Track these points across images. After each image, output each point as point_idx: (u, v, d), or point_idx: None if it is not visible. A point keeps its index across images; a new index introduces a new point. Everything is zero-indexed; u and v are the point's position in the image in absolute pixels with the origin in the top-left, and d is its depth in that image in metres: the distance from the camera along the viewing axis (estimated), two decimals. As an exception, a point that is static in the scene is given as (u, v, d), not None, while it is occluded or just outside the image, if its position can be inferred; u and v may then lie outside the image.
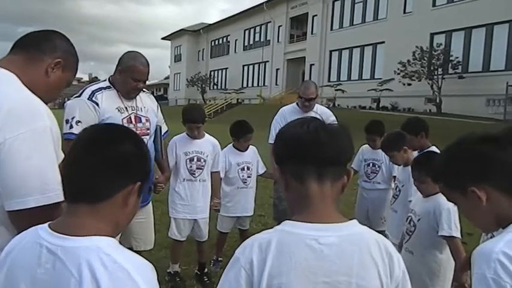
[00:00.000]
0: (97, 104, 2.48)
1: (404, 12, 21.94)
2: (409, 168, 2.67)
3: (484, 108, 17.81)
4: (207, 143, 3.32)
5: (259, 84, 33.28)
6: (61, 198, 1.15)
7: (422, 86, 18.89)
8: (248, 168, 3.55)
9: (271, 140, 3.66)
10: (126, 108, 2.60)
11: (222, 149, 3.51)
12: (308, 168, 0.97)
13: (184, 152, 3.20)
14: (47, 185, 1.18)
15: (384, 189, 3.63)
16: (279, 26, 31.26)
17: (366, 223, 3.64)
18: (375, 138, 3.60)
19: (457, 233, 2.17)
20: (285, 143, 1.01)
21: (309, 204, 0.98)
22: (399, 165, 2.96)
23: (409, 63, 18.93)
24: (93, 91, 2.52)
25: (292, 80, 30.56)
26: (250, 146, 3.64)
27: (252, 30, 34.66)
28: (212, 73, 39.06)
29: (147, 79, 2.64)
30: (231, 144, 3.61)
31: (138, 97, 2.66)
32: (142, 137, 2.64)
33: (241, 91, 32.33)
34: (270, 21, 31.88)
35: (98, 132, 0.99)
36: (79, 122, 2.42)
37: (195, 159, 3.23)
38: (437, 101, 18.72)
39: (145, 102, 2.72)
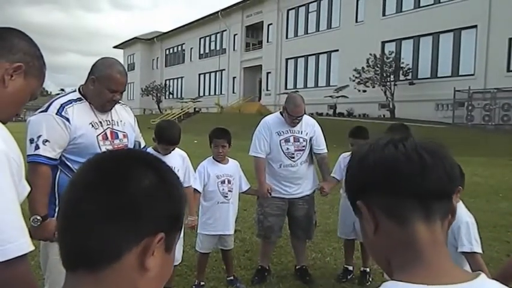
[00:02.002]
0: (67, 120, 2.15)
1: (356, 21, 22.68)
2: None
3: (434, 112, 18.72)
4: (176, 157, 3.07)
5: (217, 93, 33.04)
6: (24, 250, 0.89)
7: (376, 93, 19.56)
8: (229, 182, 3.30)
9: (254, 153, 3.48)
10: (100, 122, 2.29)
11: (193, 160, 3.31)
12: (410, 203, 0.70)
13: None
14: (0, 234, 0.88)
15: None
16: (235, 35, 31.27)
17: (352, 235, 3.63)
18: (359, 143, 3.51)
19: (478, 248, 2.00)
20: (374, 170, 0.72)
21: (418, 256, 0.70)
22: None
23: (363, 70, 19.56)
24: (62, 104, 2.18)
25: (250, 88, 30.63)
26: (232, 160, 3.44)
27: (208, 38, 34.43)
28: (167, 82, 38.32)
29: (125, 89, 2.34)
30: (211, 156, 3.40)
31: (113, 110, 2.36)
32: None
33: (198, 100, 31.93)
34: (225, 30, 31.83)
35: (97, 164, 0.68)
36: (46, 141, 2.10)
37: None
38: (391, 106, 19.44)
39: (122, 115, 2.43)
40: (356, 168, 0.77)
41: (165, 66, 39.59)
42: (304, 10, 26.08)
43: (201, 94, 33.98)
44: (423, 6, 19.79)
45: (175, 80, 38.14)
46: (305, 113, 3.48)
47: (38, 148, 2.10)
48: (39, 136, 2.11)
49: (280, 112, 3.55)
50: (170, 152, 2.99)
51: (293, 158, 3.44)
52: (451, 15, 18.15)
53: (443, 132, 15.23)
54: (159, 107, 35.37)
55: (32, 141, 2.12)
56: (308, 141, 3.49)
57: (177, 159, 3.07)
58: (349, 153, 3.63)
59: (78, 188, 0.65)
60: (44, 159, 2.11)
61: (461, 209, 2.06)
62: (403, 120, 17.32)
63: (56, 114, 2.15)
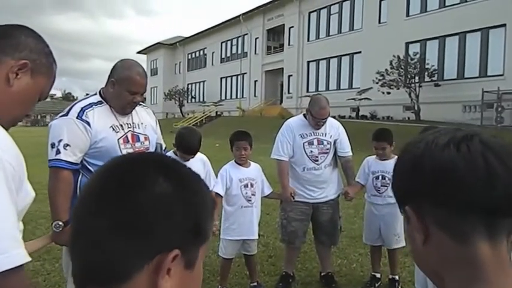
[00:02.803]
0: (88, 124, 2.14)
1: (380, 23, 22.32)
2: None
3: (461, 114, 18.17)
4: (197, 161, 3.05)
5: (238, 97, 33.13)
6: (15, 262, 0.81)
7: (400, 94, 19.14)
8: (252, 185, 3.25)
9: (276, 156, 3.41)
10: (121, 125, 2.27)
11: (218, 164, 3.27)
12: (471, 218, 0.59)
13: None
14: None
15: (395, 204, 3.42)
16: (256, 38, 31.31)
17: (379, 242, 3.51)
18: (385, 146, 3.41)
19: None
20: (429, 176, 0.60)
21: (480, 277, 0.60)
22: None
23: (386, 72, 19.20)
24: (82, 108, 2.17)
25: (271, 91, 30.58)
26: (254, 163, 3.39)
27: (229, 42, 34.61)
28: (190, 86, 38.71)
29: (145, 91, 2.32)
30: (233, 160, 3.35)
31: (134, 112, 2.32)
32: None
33: (220, 103, 32.10)
34: (246, 33, 31.92)
35: (107, 171, 0.60)
36: (67, 145, 2.09)
37: None
38: (416, 108, 18.99)
39: (143, 117, 2.40)
40: (407, 170, 0.65)
41: (188, 70, 40.00)
42: (326, 12, 25.87)
43: (223, 98, 34.14)
44: (449, 6, 19.29)
45: (198, 84, 38.48)
46: (329, 115, 3.39)
47: (59, 153, 2.09)
48: (60, 140, 2.10)
49: (304, 114, 3.47)
50: (189, 160, 2.97)
51: (317, 161, 3.36)
52: (478, 14, 17.61)
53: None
54: (181, 111, 35.75)
55: (53, 145, 2.11)
56: (332, 144, 3.41)
57: (197, 164, 3.05)
58: (374, 157, 3.53)
59: (86, 198, 0.59)
60: (65, 163, 2.10)
61: None
62: (428, 123, 16.92)
63: (77, 118, 2.14)
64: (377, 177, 3.44)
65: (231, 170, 3.29)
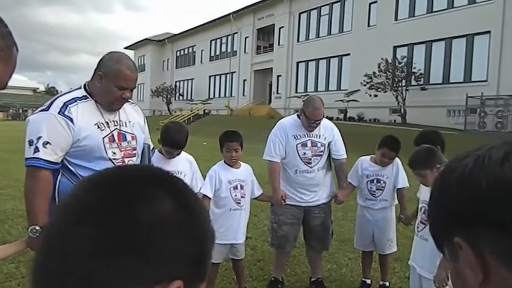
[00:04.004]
0: (71, 120, 1.97)
1: (369, 26, 22.45)
2: None
3: (446, 118, 18.41)
4: (183, 161, 2.94)
5: (227, 95, 32.98)
6: None
7: (387, 97, 19.30)
8: (241, 187, 3.15)
9: (268, 156, 3.32)
10: (107, 123, 2.11)
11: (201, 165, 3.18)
12: None
13: None
14: None
15: (390, 207, 3.39)
16: (246, 37, 31.20)
17: (371, 247, 3.47)
18: (394, 156, 3.32)
19: None
20: (489, 196, 0.49)
21: None
22: (428, 186, 2.58)
23: (374, 75, 19.34)
24: (65, 103, 1.99)
25: (260, 90, 30.53)
26: (244, 164, 3.29)
27: (219, 40, 34.40)
28: (178, 83, 38.37)
29: (135, 86, 2.15)
30: (222, 161, 3.25)
31: (121, 109, 2.17)
32: (128, 159, 2.27)
33: (208, 102, 31.90)
34: (236, 32, 31.79)
35: (98, 182, 0.51)
36: (47, 143, 1.92)
37: None
38: (402, 111, 19.18)
39: (131, 115, 2.25)
40: (454, 192, 0.52)
41: (176, 67, 39.66)
42: (316, 13, 25.92)
43: (211, 96, 33.95)
44: (436, 11, 19.52)
45: (186, 82, 38.18)
46: (324, 117, 3.32)
47: (38, 151, 1.92)
48: (39, 137, 1.93)
49: (298, 115, 3.37)
50: (175, 156, 2.86)
51: (310, 163, 3.28)
52: (464, 21, 17.87)
53: (455, 139, 14.90)
54: (168, 108, 35.43)
55: (31, 142, 1.94)
56: (326, 146, 3.33)
57: (184, 164, 2.94)
58: (368, 158, 3.48)
59: (68, 211, 0.48)
60: (43, 163, 1.93)
61: None
62: (414, 126, 17.10)
63: (59, 113, 1.97)
64: (372, 181, 3.37)
65: (220, 171, 3.19)
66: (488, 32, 17.47)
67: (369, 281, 3.49)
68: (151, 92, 37.39)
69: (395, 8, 21.17)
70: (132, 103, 2.36)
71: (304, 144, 3.28)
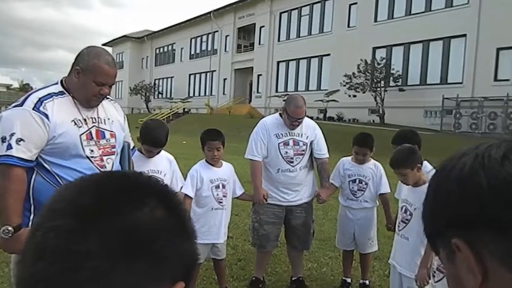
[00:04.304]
0: (46, 116, 1.89)
1: (349, 27, 22.70)
2: (423, 188, 2.52)
3: (423, 119, 18.79)
4: (163, 160, 2.87)
5: (207, 94, 32.79)
6: None
7: (366, 98, 19.58)
8: (223, 186, 3.11)
9: (250, 155, 3.29)
10: (85, 120, 2.03)
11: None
12: None
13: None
14: None
15: (371, 208, 3.41)
16: (227, 36, 31.08)
17: (352, 246, 3.49)
18: (366, 152, 3.36)
19: None
20: (491, 195, 0.47)
21: None
22: (409, 184, 2.62)
23: (354, 75, 19.58)
24: (40, 98, 1.91)
25: (240, 89, 30.49)
26: (226, 163, 3.25)
27: (199, 38, 34.15)
28: (157, 81, 37.91)
29: (114, 82, 2.08)
30: (204, 159, 3.20)
31: (100, 105, 2.09)
32: (106, 157, 2.20)
33: (188, 100, 31.64)
34: (217, 31, 31.63)
35: (95, 183, 0.51)
36: (21, 140, 1.84)
37: None
38: (381, 112, 19.48)
39: (110, 112, 2.17)
40: (452, 191, 0.51)
41: (155, 65, 39.17)
42: (297, 14, 26.04)
43: (191, 94, 33.69)
44: (414, 14, 19.90)
45: (165, 80, 37.76)
46: (306, 115, 3.31)
47: (11, 148, 1.83)
48: (12, 134, 1.84)
49: (280, 113, 3.35)
50: (155, 155, 2.80)
51: (292, 162, 3.26)
52: (441, 24, 18.28)
53: (431, 139, 15.26)
54: (147, 106, 34.97)
55: (3, 139, 1.85)
56: (308, 145, 3.31)
57: (164, 163, 2.88)
58: (349, 158, 3.49)
59: (66, 214, 0.46)
60: (17, 160, 1.85)
61: None
62: (392, 126, 17.39)
63: (33, 109, 1.88)
64: (353, 181, 3.38)
65: (201, 170, 3.14)
66: (464, 35, 17.92)
67: (349, 280, 3.51)
68: (129, 90, 36.82)
69: (374, 9, 21.47)
70: (112, 100, 2.29)
71: (286, 143, 3.26)
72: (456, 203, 0.50)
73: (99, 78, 1.98)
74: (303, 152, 3.29)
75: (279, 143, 3.26)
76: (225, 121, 20.24)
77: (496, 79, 17.13)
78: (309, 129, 3.34)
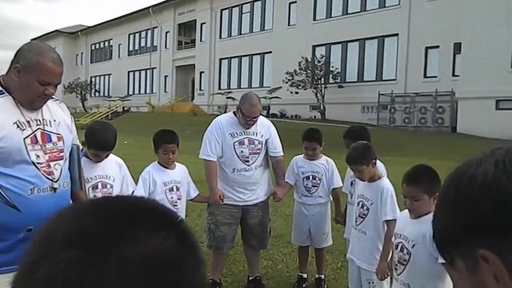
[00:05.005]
0: None
1: (289, 25, 23.14)
2: (378, 183, 2.60)
3: (361, 114, 19.66)
4: (112, 164, 2.71)
5: (147, 92, 31.80)
6: None
7: (307, 95, 20.12)
8: (177, 189, 3.00)
9: (204, 155, 3.21)
10: (28, 122, 1.87)
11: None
12: None
13: (85, 179, 2.40)
14: None
15: (325, 203, 3.48)
16: (167, 32, 30.34)
17: (307, 242, 3.53)
18: (316, 147, 3.41)
19: None
20: None
21: None
22: (365, 180, 2.66)
23: (295, 72, 20.03)
24: None
25: (182, 87, 29.94)
26: (179, 164, 3.14)
27: (138, 34, 32.99)
28: (93, 79, 36.11)
29: (60, 82, 1.94)
30: (156, 161, 3.07)
31: (44, 106, 1.94)
32: (54, 162, 2.03)
33: (127, 98, 30.52)
34: (156, 27, 30.75)
35: (99, 209, 0.46)
36: None
37: (100, 187, 2.57)
38: (322, 108, 20.12)
39: (56, 113, 2.02)
40: (478, 200, 0.49)
41: (91, 62, 37.28)
42: (238, 11, 26.05)
43: (131, 92, 32.52)
44: (351, 13, 20.72)
45: (102, 77, 36.07)
46: (261, 114, 3.29)
47: None
48: None
49: (234, 112, 3.30)
50: (103, 159, 2.63)
51: (247, 161, 3.22)
52: (375, 23, 19.20)
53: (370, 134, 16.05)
54: (83, 105, 33.23)
55: None
56: (264, 143, 3.29)
57: (113, 168, 2.70)
58: (302, 156, 3.55)
59: (72, 244, 0.40)
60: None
61: None
62: (333, 122, 18.03)
63: None
64: (307, 178, 3.43)
65: (154, 172, 3.01)
66: (396, 34, 18.98)
67: (305, 275, 3.56)
68: (63, 88, 34.63)
69: (313, 8, 22.06)
70: (57, 100, 2.12)
71: (241, 142, 3.22)
72: (483, 213, 0.49)
73: (44, 77, 1.83)
74: (259, 151, 3.27)
75: (234, 142, 3.21)
76: (168, 119, 19.76)
77: (425, 76, 18.35)
78: (264, 128, 3.32)
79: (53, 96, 1.99)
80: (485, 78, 14.51)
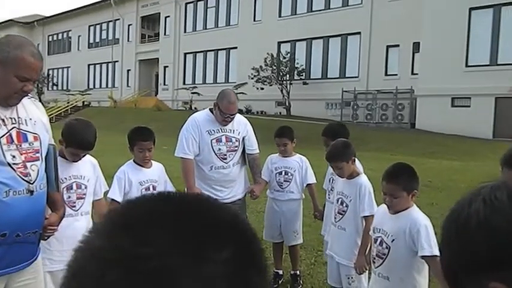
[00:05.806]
0: None
1: (254, 20, 23.15)
2: (357, 180, 2.66)
3: (324, 111, 20.05)
4: (87, 164, 2.62)
5: (109, 86, 30.83)
6: None
7: (273, 91, 20.25)
8: (154, 188, 2.92)
9: (181, 153, 3.17)
10: (3, 120, 1.79)
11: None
12: None
13: (60, 179, 2.28)
14: None
15: (297, 200, 3.53)
16: (129, 25, 29.50)
17: (279, 238, 3.58)
18: (287, 143, 3.47)
19: (437, 251, 1.90)
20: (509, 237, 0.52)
21: None
22: (344, 177, 2.72)
23: (261, 68, 20.09)
24: None
25: (145, 81, 29.27)
26: (156, 163, 3.06)
27: (98, 26, 31.87)
28: (50, 72, 34.56)
29: (38, 77, 1.88)
30: (132, 160, 2.99)
31: (19, 104, 1.86)
32: (30, 163, 1.94)
33: (88, 92, 29.46)
34: (118, 19, 29.83)
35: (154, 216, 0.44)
36: None
37: (74, 187, 2.49)
38: (287, 104, 20.33)
39: (32, 111, 1.93)
40: (477, 240, 0.53)
41: (48, 54, 35.55)
42: (203, 5, 25.74)
43: (91, 86, 31.42)
44: (315, 11, 21.01)
45: (60, 70, 34.60)
46: (237, 111, 3.28)
47: None
48: None
49: (210, 109, 3.27)
50: (80, 159, 2.54)
51: (225, 159, 3.21)
52: (339, 21, 19.59)
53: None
54: (40, 99, 31.72)
55: None
56: (241, 141, 3.30)
57: (87, 168, 2.60)
58: (277, 154, 3.60)
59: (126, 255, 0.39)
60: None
61: (418, 213, 2.13)
62: (298, 118, 18.30)
63: None
64: (280, 173, 3.50)
65: (129, 171, 2.93)
66: (359, 33, 19.45)
67: (281, 272, 3.61)
68: (17, 81, 33.05)
69: (278, 5, 22.17)
70: (31, 97, 2.02)
71: (218, 140, 3.21)
72: (485, 250, 0.53)
73: (22, 72, 1.74)
74: (236, 148, 3.27)
75: (211, 140, 3.19)
76: (132, 115, 19.30)
77: (386, 74, 18.94)
78: (241, 125, 3.33)
79: (29, 93, 1.90)
80: (442, 77, 15.18)
